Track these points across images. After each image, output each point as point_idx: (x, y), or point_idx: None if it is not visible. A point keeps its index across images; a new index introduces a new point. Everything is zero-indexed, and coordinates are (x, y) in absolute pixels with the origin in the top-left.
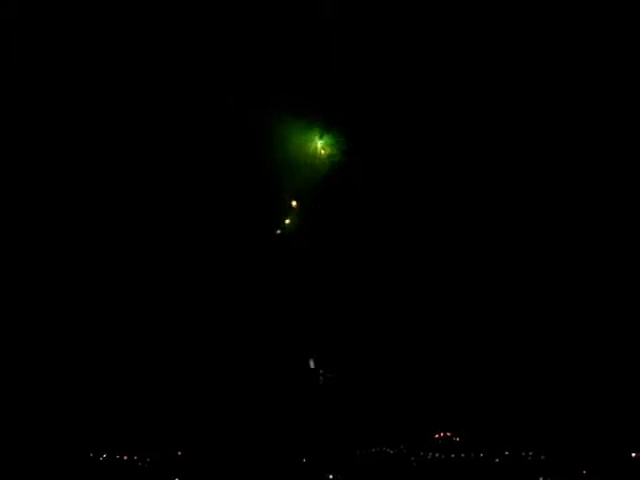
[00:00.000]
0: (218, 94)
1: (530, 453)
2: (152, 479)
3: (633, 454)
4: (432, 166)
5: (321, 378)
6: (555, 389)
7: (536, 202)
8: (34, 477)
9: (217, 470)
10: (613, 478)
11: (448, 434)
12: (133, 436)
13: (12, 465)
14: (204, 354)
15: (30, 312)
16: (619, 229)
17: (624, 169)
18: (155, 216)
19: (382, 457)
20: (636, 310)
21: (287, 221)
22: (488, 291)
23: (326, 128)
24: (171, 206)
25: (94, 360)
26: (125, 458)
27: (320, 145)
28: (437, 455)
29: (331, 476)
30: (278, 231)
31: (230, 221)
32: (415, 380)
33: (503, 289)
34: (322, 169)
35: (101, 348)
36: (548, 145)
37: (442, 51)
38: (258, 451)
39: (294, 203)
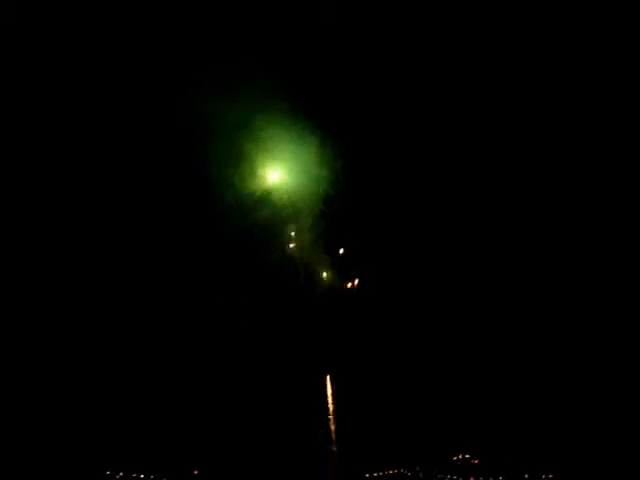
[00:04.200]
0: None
1: (550, 476)
2: None
3: None
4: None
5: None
6: (575, 413)
7: (534, 206)
8: None
9: None
10: None
11: (467, 456)
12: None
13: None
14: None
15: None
16: (619, 229)
17: (624, 169)
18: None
19: (399, 479)
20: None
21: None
22: (506, 314)
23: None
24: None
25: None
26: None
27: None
28: (455, 477)
29: None
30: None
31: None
32: (433, 401)
33: (522, 313)
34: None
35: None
36: (544, 152)
37: (440, 57)
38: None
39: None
